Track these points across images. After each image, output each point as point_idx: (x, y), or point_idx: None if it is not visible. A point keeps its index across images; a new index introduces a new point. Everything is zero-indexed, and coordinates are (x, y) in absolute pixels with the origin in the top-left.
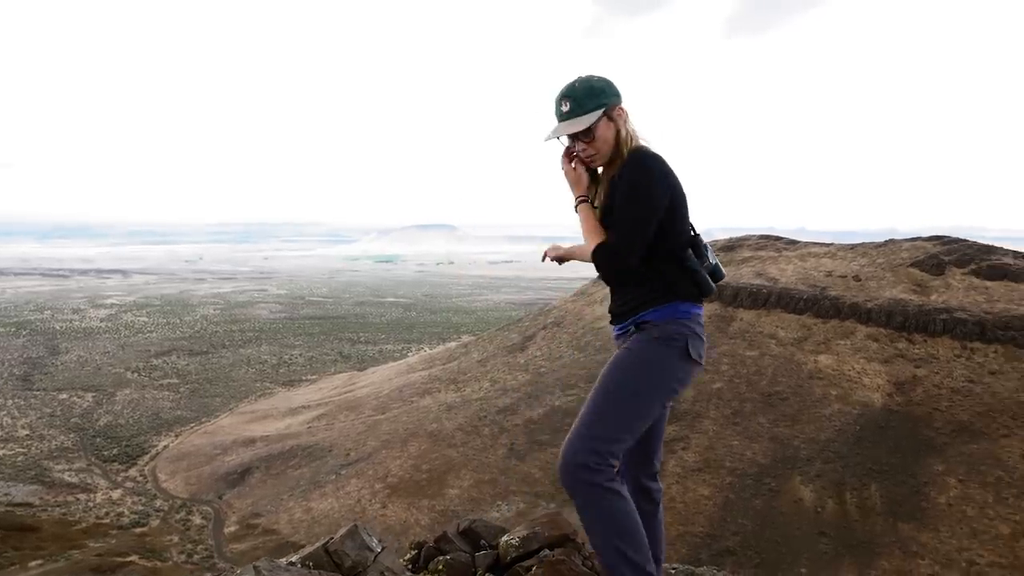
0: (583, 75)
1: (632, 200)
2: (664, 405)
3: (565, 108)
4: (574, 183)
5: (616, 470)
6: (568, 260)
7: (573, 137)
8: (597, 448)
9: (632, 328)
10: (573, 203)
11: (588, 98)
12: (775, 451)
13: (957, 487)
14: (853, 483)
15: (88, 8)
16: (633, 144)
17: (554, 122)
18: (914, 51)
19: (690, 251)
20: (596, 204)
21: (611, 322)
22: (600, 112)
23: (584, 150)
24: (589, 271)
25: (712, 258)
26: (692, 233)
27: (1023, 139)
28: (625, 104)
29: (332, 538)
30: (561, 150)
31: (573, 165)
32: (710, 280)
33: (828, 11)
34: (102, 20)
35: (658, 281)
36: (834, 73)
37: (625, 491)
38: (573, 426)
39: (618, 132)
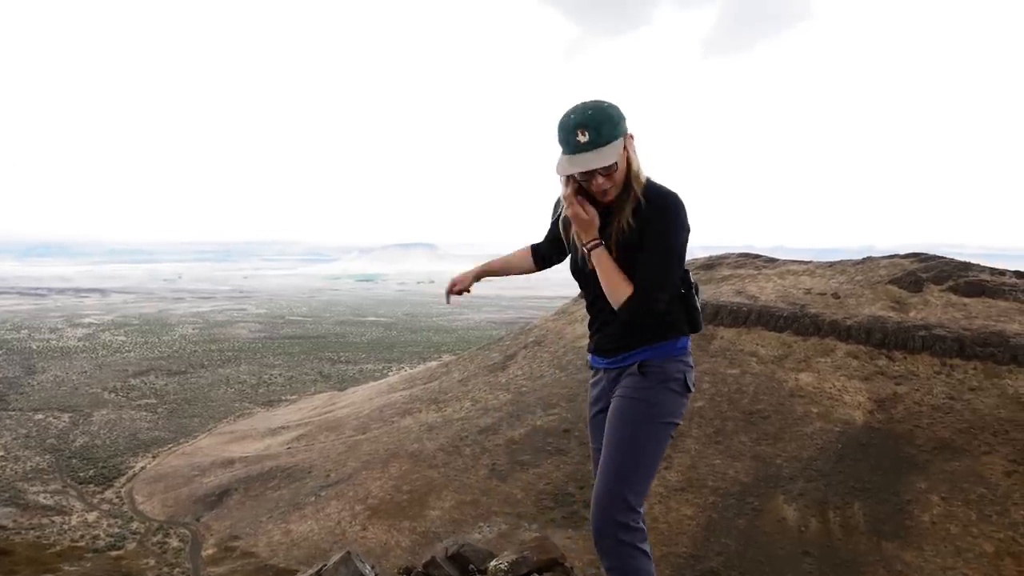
0: (592, 101)
1: (667, 247)
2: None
3: (583, 138)
4: (587, 226)
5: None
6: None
7: (589, 171)
8: (631, 503)
9: (629, 367)
10: (585, 245)
11: (608, 126)
12: (757, 470)
13: (940, 505)
14: (836, 502)
15: (68, 24)
16: (641, 175)
17: (558, 152)
18: (889, 69)
19: (693, 288)
20: (606, 241)
21: (596, 353)
22: (621, 141)
23: (600, 184)
24: (572, 289)
25: (699, 296)
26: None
27: (1000, 157)
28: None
29: (325, 565)
30: (563, 183)
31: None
32: (700, 316)
33: (801, 33)
34: (82, 35)
35: (659, 317)
36: (810, 92)
37: (650, 549)
38: (598, 487)
39: (629, 163)
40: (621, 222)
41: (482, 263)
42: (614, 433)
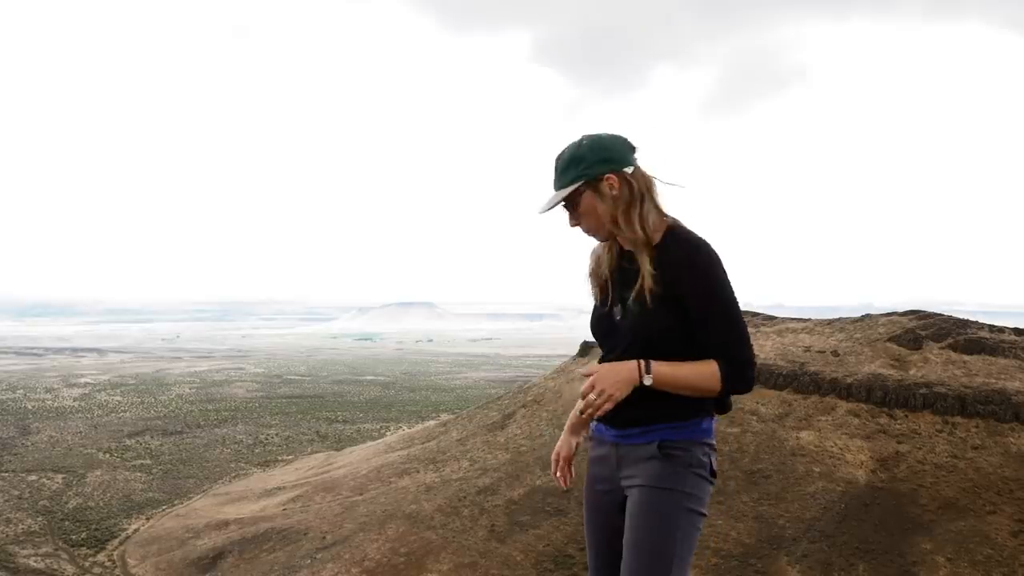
0: (584, 136)
1: (724, 301)
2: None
3: (553, 178)
4: (607, 403)
5: None
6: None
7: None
8: None
9: (644, 445)
10: (633, 386)
11: (568, 169)
12: (760, 531)
13: (946, 566)
14: (840, 563)
15: (62, 75)
16: (654, 222)
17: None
18: (886, 126)
19: None
20: (626, 297)
21: (604, 421)
22: (578, 185)
23: (571, 225)
24: (569, 348)
25: None
26: None
27: (997, 215)
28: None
29: None
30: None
31: (590, 407)
32: (730, 397)
33: (799, 93)
34: (73, 91)
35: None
36: (808, 150)
37: None
38: None
39: (609, 207)
40: (642, 273)
41: (565, 432)
42: (643, 533)
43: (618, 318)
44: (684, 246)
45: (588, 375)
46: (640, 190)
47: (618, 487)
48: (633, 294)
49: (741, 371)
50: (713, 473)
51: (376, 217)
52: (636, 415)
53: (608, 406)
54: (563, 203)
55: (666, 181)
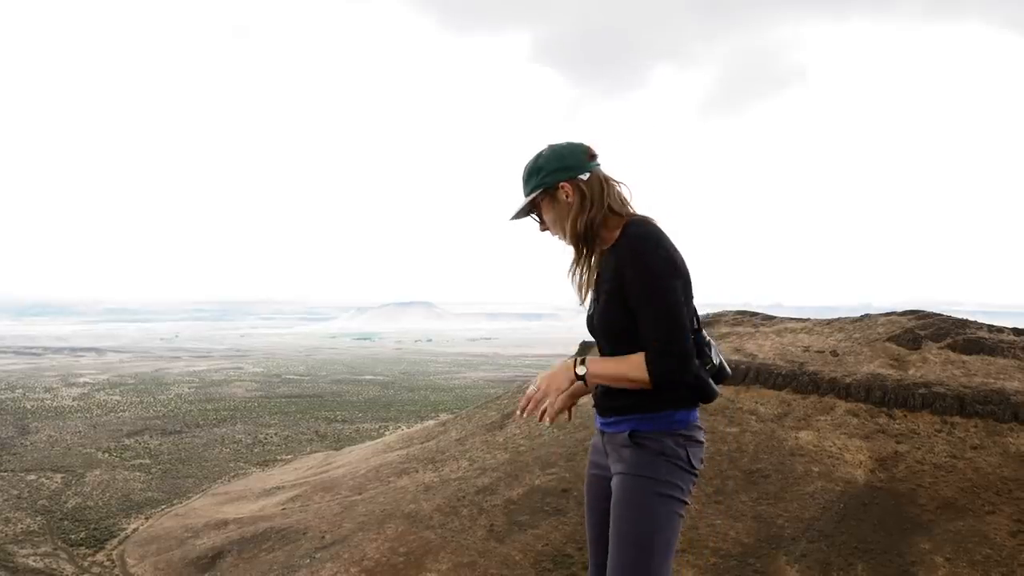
0: (545, 147)
1: (649, 294)
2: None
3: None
4: (550, 395)
5: None
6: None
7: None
8: None
9: (620, 434)
10: (583, 382)
11: (529, 179)
12: (759, 530)
13: (945, 566)
14: (839, 563)
15: (62, 75)
16: (605, 223)
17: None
18: (886, 127)
19: (703, 348)
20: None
21: (596, 408)
22: (537, 194)
23: (545, 231)
24: (567, 348)
25: (716, 356)
26: (695, 326)
27: (996, 214)
28: (603, 169)
29: None
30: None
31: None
32: (713, 384)
33: (799, 94)
34: (72, 90)
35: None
36: (807, 150)
37: None
38: None
39: (563, 213)
40: (594, 267)
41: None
42: (624, 523)
43: (590, 313)
44: (630, 242)
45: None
46: (592, 196)
47: (606, 471)
48: (591, 293)
49: (664, 360)
50: (691, 464)
51: (375, 216)
52: (613, 405)
53: (545, 404)
54: (532, 212)
55: (617, 181)
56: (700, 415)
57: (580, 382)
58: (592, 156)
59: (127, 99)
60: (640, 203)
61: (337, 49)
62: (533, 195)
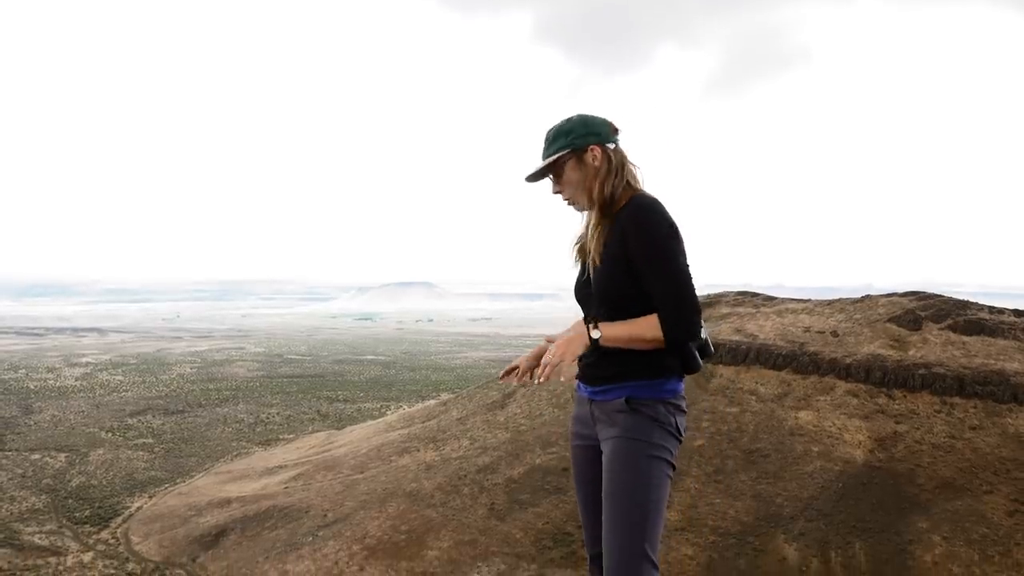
0: (571, 116)
1: (667, 249)
2: None
3: (542, 149)
4: (565, 352)
5: None
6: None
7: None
8: (652, 559)
9: (614, 401)
10: (592, 340)
11: (556, 139)
12: (758, 509)
13: (942, 545)
14: (837, 541)
15: (60, 58)
16: (621, 191)
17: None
18: (888, 108)
19: None
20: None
21: (582, 379)
22: (563, 153)
23: (554, 193)
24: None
25: (703, 333)
26: None
27: (997, 195)
28: (624, 146)
29: None
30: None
31: (544, 366)
32: (698, 356)
33: (802, 74)
34: (72, 73)
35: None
36: (810, 131)
37: None
38: (614, 544)
39: (590, 175)
40: (596, 235)
41: (537, 347)
42: (618, 482)
43: (582, 280)
44: (636, 209)
45: (550, 341)
46: (616, 164)
47: (595, 441)
48: (597, 257)
49: (678, 317)
50: (679, 431)
51: (376, 196)
52: (607, 373)
53: (563, 365)
54: (550, 173)
55: (633, 163)
56: (700, 394)
57: (593, 340)
58: (616, 131)
59: (126, 79)
60: (643, 184)
61: (338, 29)
62: (560, 153)
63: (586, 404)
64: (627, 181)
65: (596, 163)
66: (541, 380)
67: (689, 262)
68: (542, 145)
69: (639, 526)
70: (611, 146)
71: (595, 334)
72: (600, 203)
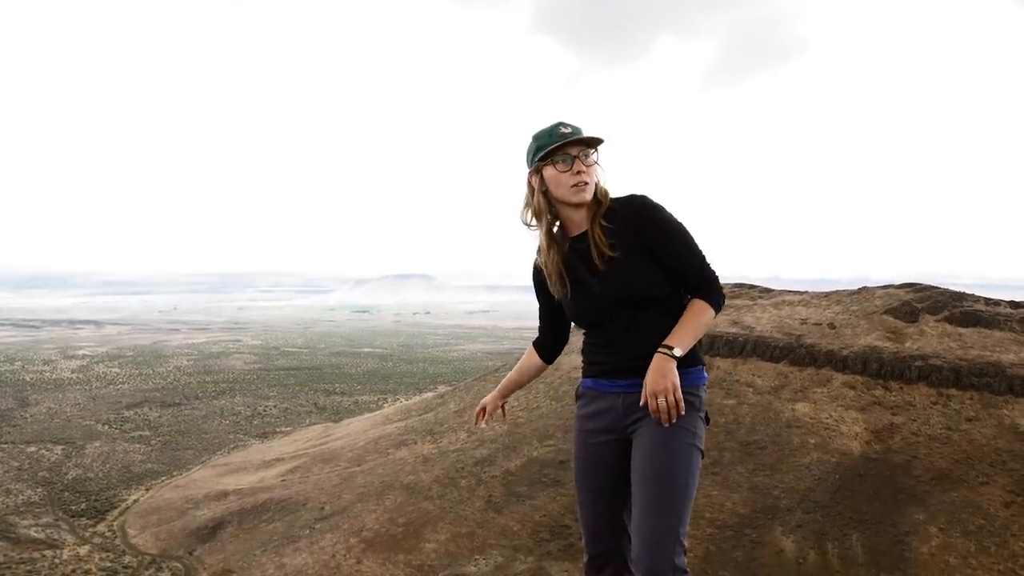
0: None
1: (677, 230)
2: None
3: (567, 129)
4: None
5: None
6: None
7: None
8: (683, 544)
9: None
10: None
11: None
12: (755, 501)
13: (939, 536)
14: (834, 533)
15: (60, 53)
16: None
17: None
18: (885, 100)
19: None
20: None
21: (609, 376)
22: (601, 141)
23: (583, 174)
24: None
25: None
26: None
27: (993, 188)
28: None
29: None
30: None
31: None
32: None
33: (801, 65)
34: (70, 67)
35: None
36: (808, 123)
37: None
38: (647, 526)
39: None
40: (597, 238)
41: (500, 386)
42: (660, 466)
43: (597, 291)
44: (631, 203)
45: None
46: (538, 183)
47: (623, 434)
48: (606, 260)
49: (716, 289)
50: (707, 418)
51: (374, 189)
52: (641, 366)
53: (676, 396)
54: (587, 147)
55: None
56: None
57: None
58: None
59: (124, 71)
60: (640, 174)
61: (337, 21)
62: (601, 139)
63: (611, 398)
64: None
65: (533, 186)
66: (674, 418)
67: None
68: (561, 126)
69: (678, 510)
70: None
71: (677, 352)
72: (601, 199)
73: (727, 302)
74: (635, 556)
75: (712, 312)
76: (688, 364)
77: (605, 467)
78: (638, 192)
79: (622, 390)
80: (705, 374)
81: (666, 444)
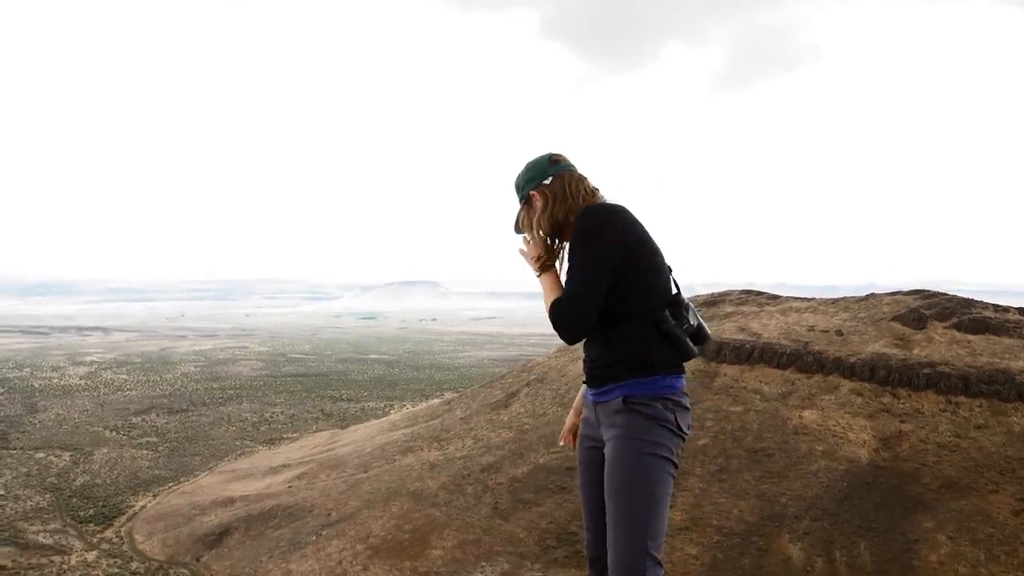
0: (520, 169)
1: (577, 256)
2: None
3: None
4: (531, 257)
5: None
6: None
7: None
8: (655, 556)
9: (614, 401)
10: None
11: (519, 192)
12: (762, 508)
13: (948, 544)
14: (842, 541)
15: (64, 59)
16: (567, 213)
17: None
18: (893, 107)
19: (667, 312)
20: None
21: (587, 383)
22: (519, 212)
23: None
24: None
25: (694, 318)
26: (673, 292)
27: (1000, 194)
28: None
29: None
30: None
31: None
32: (690, 343)
33: (808, 72)
34: (75, 73)
35: (634, 345)
36: (814, 130)
37: None
38: (616, 542)
39: (539, 216)
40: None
41: (574, 406)
42: (618, 481)
43: None
44: (578, 217)
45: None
46: (557, 194)
47: (600, 443)
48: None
49: (559, 310)
50: (680, 428)
51: (380, 196)
52: (606, 375)
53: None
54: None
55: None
56: (704, 393)
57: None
58: (556, 161)
59: (128, 77)
60: (645, 181)
61: (343, 27)
62: (517, 215)
63: (591, 407)
64: (581, 198)
65: (539, 204)
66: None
67: (603, 267)
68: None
69: (640, 524)
70: (547, 181)
71: (542, 276)
72: (548, 233)
73: (734, 309)
74: (610, 572)
75: (553, 308)
76: (639, 373)
77: (592, 473)
78: (597, 204)
79: (593, 399)
80: (671, 382)
81: (621, 457)
